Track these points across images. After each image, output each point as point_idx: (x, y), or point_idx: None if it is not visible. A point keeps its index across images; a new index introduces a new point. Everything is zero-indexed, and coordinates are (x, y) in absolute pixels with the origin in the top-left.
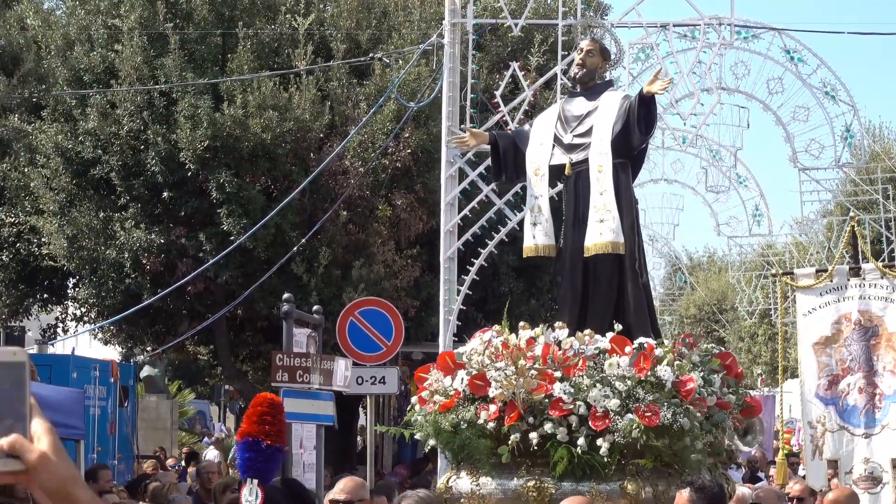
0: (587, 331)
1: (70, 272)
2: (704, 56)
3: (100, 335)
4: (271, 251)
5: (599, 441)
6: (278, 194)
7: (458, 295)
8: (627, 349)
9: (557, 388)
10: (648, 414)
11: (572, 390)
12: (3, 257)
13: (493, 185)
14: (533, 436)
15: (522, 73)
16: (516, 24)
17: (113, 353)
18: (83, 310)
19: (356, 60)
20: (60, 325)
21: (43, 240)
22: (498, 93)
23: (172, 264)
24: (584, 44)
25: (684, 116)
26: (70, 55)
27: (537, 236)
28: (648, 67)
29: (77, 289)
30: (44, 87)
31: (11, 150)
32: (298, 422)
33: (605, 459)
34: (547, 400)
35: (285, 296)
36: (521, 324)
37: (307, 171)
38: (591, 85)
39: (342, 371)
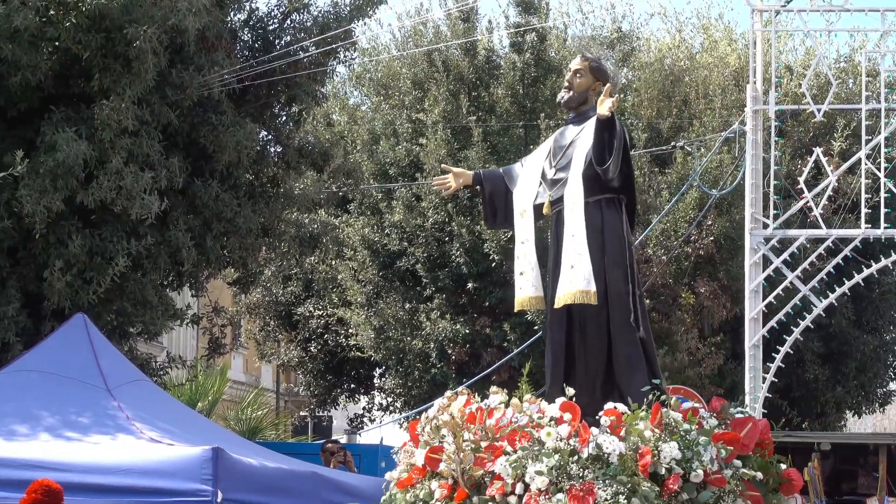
0: (527, 397)
1: (377, 362)
2: None
3: (406, 424)
4: None
5: None
6: None
7: (763, 383)
8: (564, 415)
9: (499, 464)
10: (581, 493)
11: (512, 466)
12: (312, 348)
13: (797, 272)
14: None
15: (826, 158)
16: (819, 110)
17: None
18: (389, 399)
19: (658, 149)
20: (367, 414)
21: (350, 331)
22: (801, 179)
23: (477, 354)
24: (574, 63)
25: None
26: (376, 149)
27: (524, 287)
28: None
29: (384, 379)
30: (351, 181)
31: (320, 243)
32: None
33: None
34: (489, 477)
35: None
36: (461, 388)
37: None
38: (583, 110)
39: None
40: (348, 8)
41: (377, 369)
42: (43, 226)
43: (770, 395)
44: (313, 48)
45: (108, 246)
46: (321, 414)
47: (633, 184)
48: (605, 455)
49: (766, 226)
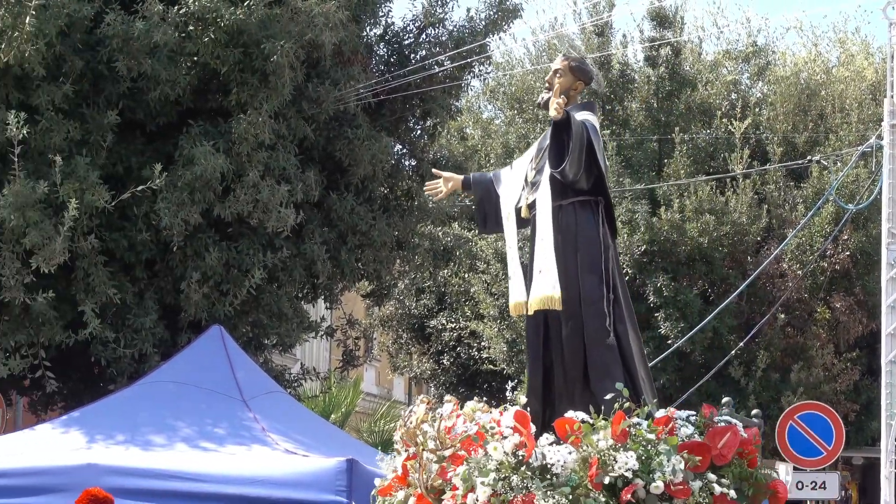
0: (480, 404)
1: (509, 375)
2: None
3: None
4: (708, 355)
5: None
6: (715, 298)
7: None
8: (505, 426)
9: (455, 474)
10: None
11: (462, 478)
12: (444, 361)
13: None
14: None
15: None
16: None
17: None
18: None
19: (793, 163)
20: None
21: (483, 344)
22: None
23: None
24: (555, 63)
25: None
26: (509, 163)
27: (515, 292)
28: None
29: (516, 392)
30: None
31: (454, 257)
32: None
33: None
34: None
35: (724, 399)
36: (421, 397)
37: (744, 274)
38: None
39: (783, 475)
40: (483, 22)
41: (509, 382)
42: (181, 238)
43: None
44: (448, 62)
45: (245, 258)
46: None
47: (605, 185)
48: (550, 466)
49: None
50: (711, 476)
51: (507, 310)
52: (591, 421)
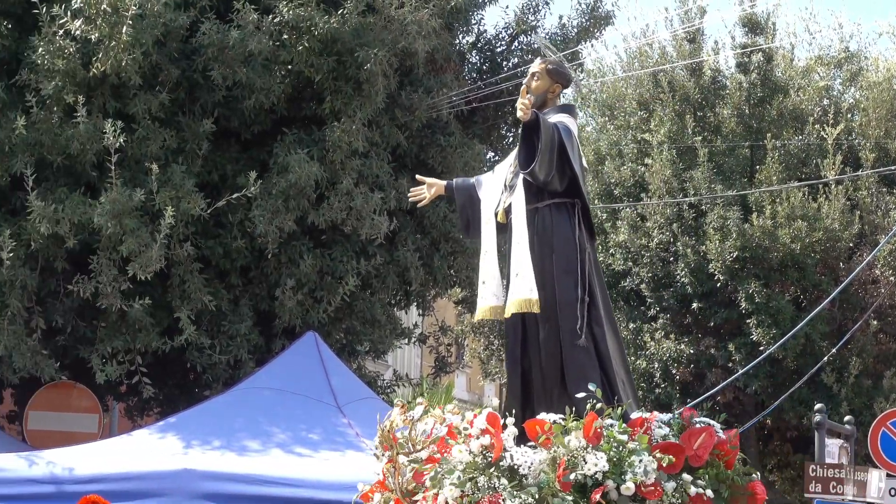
0: (450, 407)
1: None
2: None
3: None
4: (801, 361)
5: None
6: (807, 304)
7: None
8: (475, 429)
9: (427, 477)
10: None
11: (430, 480)
12: None
13: None
14: None
15: None
16: None
17: None
18: None
19: (886, 169)
20: None
21: None
22: None
23: (702, 374)
24: (533, 66)
25: None
26: (601, 170)
27: (486, 297)
28: None
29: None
30: None
31: None
32: None
33: None
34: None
35: (817, 406)
36: (396, 400)
37: (837, 280)
38: (542, 112)
39: (876, 482)
40: (575, 30)
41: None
42: (275, 246)
43: None
44: None
45: (339, 265)
46: None
47: (580, 187)
48: (517, 467)
49: None
50: (687, 477)
51: None
52: (562, 422)
